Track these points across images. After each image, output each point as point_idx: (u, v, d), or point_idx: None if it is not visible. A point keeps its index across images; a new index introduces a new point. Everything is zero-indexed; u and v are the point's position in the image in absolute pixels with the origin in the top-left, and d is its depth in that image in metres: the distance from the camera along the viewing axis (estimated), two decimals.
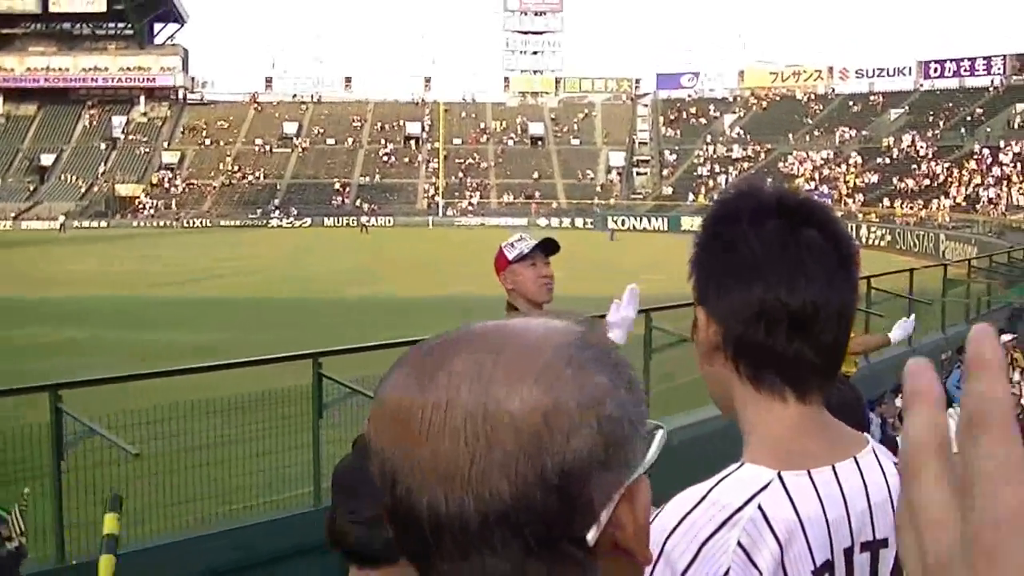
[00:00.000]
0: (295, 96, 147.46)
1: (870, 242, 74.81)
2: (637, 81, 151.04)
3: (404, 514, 1.27)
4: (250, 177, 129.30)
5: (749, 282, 2.22)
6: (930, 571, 0.73)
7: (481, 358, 1.25)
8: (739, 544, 2.07)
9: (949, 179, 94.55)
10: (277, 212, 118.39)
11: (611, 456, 1.24)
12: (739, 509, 2.10)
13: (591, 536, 1.24)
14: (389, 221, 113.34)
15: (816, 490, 2.17)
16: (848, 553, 2.20)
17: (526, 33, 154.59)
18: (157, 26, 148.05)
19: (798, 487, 2.16)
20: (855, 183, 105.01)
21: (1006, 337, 23.18)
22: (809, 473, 2.18)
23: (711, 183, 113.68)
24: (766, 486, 2.14)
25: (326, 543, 3.27)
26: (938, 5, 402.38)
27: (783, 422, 2.24)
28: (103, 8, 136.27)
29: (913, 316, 11.36)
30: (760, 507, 2.11)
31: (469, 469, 1.20)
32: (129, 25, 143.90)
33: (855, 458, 2.27)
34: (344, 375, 10.94)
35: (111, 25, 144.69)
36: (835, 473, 2.21)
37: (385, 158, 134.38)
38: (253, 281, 49.32)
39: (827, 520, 2.15)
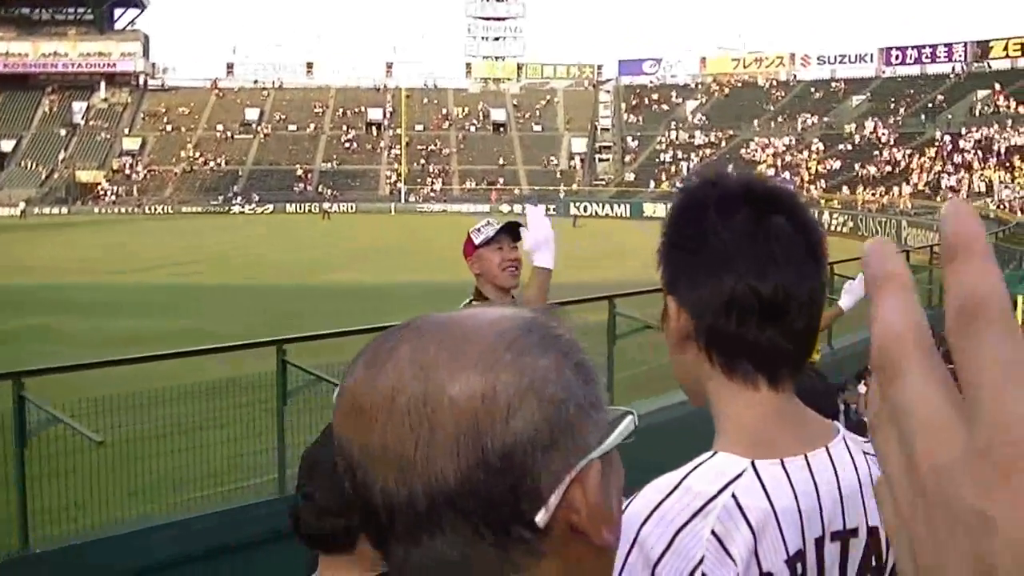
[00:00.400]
0: (256, 82, 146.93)
1: (832, 228, 75.04)
2: (599, 67, 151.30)
3: (363, 501, 1.30)
4: (211, 163, 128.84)
5: (719, 271, 2.22)
6: (925, 480, 0.68)
7: (426, 345, 1.27)
8: (713, 533, 2.07)
9: (911, 166, 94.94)
10: (239, 199, 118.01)
11: (557, 439, 1.25)
12: (713, 498, 2.11)
13: (540, 519, 1.25)
14: (351, 207, 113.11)
15: (789, 479, 2.18)
16: (819, 543, 2.21)
17: (488, 19, 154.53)
18: (117, 11, 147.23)
19: (771, 476, 2.17)
20: (817, 169, 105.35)
21: None
22: (782, 462, 2.19)
23: (673, 169, 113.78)
24: (740, 475, 2.15)
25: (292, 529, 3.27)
26: None
27: (756, 410, 2.25)
28: None
29: (860, 276, 11.33)
30: (734, 496, 2.11)
31: (415, 454, 1.22)
32: (89, 10, 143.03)
33: (827, 448, 2.28)
34: (308, 362, 10.93)
35: (71, 10, 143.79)
36: (807, 462, 2.22)
37: (347, 144, 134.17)
38: (215, 268, 49.19)
39: (799, 509, 2.16)
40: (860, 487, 2.28)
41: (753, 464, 2.17)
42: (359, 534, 3.12)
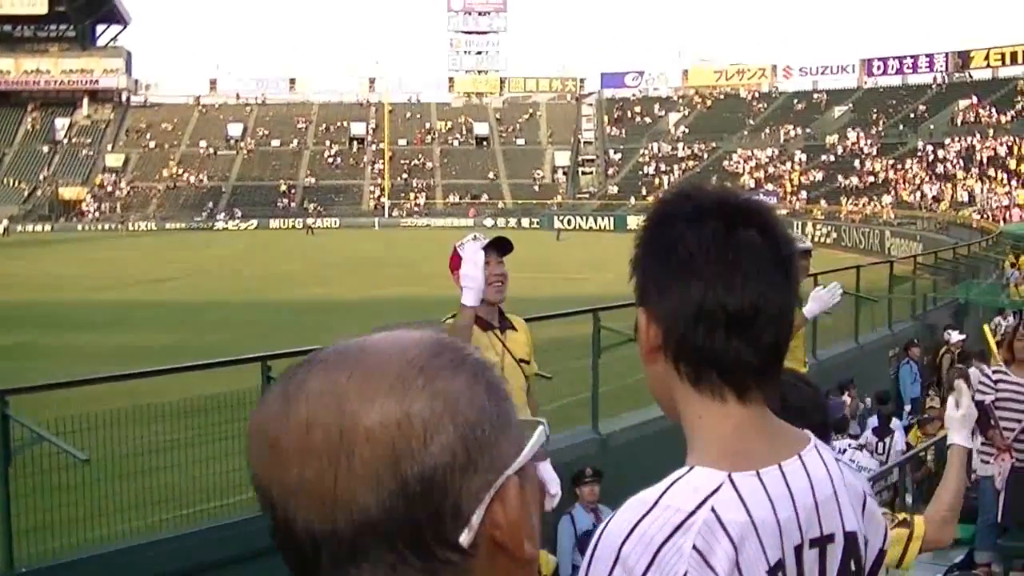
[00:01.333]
0: (239, 98, 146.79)
1: (816, 239, 75.07)
2: (582, 80, 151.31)
3: (284, 536, 1.27)
4: (195, 179, 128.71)
5: (687, 283, 2.22)
6: None
7: (336, 376, 1.27)
8: (695, 548, 2.06)
9: (893, 176, 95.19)
10: (222, 214, 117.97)
11: (475, 459, 1.26)
12: (692, 513, 2.10)
13: (465, 539, 1.26)
14: (335, 223, 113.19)
15: (766, 490, 2.18)
16: (798, 550, 2.21)
17: (470, 33, 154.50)
18: (100, 28, 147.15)
19: (749, 488, 2.17)
20: (800, 181, 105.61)
21: (955, 335, 23.36)
22: (758, 473, 2.19)
23: (656, 182, 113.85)
24: (718, 488, 2.14)
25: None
26: (880, 3, 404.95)
27: (727, 422, 2.25)
28: (44, 10, 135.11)
29: (836, 284, 11.32)
30: (714, 510, 2.10)
31: (335, 487, 1.22)
32: (71, 27, 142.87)
33: (800, 456, 2.28)
34: None
35: (53, 27, 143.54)
36: (782, 472, 2.22)
37: (330, 159, 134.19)
38: (199, 284, 49.20)
39: (778, 519, 2.17)
40: (835, 493, 2.30)
41: (730, 477, 2.16)
42: None
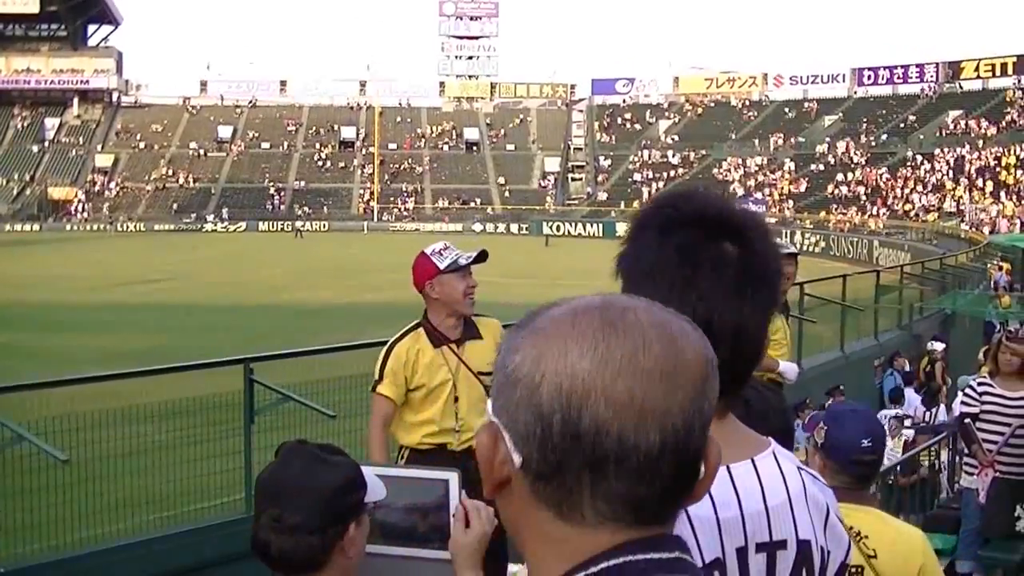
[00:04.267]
0: (229, 99, 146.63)
1: (804, 248, 75.18)
2: (572, 87, 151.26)
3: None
4: (184, 181, 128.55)
5: (642, 291, 2.22)
6: None
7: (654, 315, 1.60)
8: None
9: (883, 186, 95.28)
10: (211, 216, 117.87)
11: None
12: None
13: None
14: (324, 226, 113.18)
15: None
16: (741, 553, 2.21)
17: (461, 38, 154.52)
18: (91, 28, 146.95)
19: None
20: (789, 189, 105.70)
21: (939, 346, 23.42)
22: None
23: (645, 189, 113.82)
24: None
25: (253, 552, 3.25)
26: (871, 13, 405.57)
27: None
28: (36, 9, 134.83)
29: (795, 367, 11.25)
30: None
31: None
32: (62, 26, 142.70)
33: (752, 460, 2.28)
34: (277, 380, 10.89)
35: (44, 26, 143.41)
36: (729, 474, 2.22)
37: (320, 163, 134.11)
38: (186, 286, 49.13)
39: (718, 518, 2.17)
40: (789, 500, 2.29)
41: None
42: (333, 550, 3.12)
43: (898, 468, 12.86)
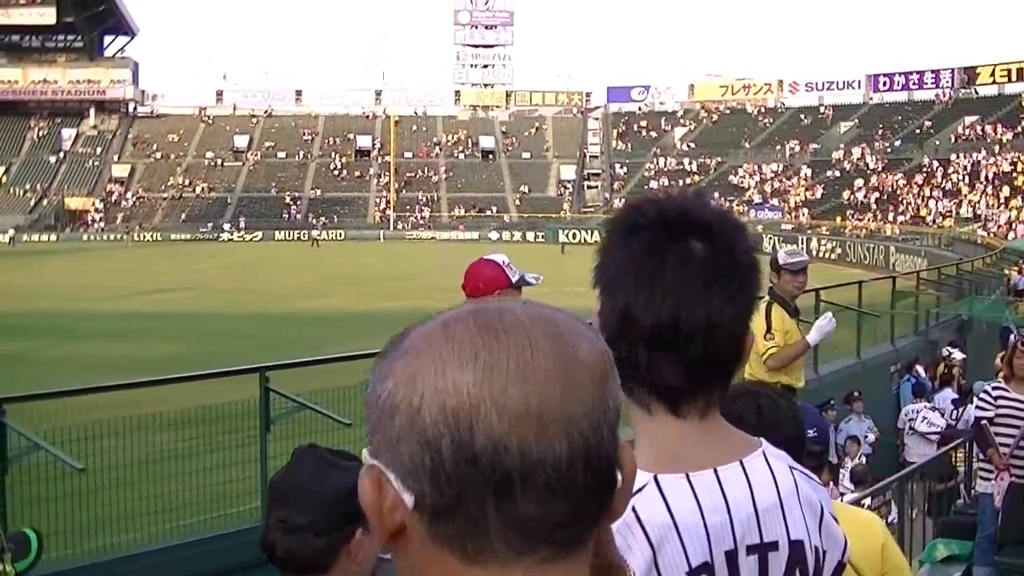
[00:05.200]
0: (245, 109, 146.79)
1: (820, 255, 75.14)
2: (588, 94, 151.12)
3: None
4: (200, 190, 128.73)
5: (612, 294, 2.26)
6: None
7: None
8: None
9: (899, 192, 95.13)
10: (228, 226, 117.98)
11: None
12: None
13: None
14: (340, 235, 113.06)
15: (694, 492, 2.19)
16: (731, 556, 2.22)
17: (477, 47, 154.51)
18: (107, 38, 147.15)
19: (674, 489, 2.19)
20: (805, 196, 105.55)
21: (958, 355, 23.41)
22: (688, 476, 2.21)
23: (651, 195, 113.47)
24: (641, 488, 2.16)
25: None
26: (887, 19, 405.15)
27: (659, 429, 2.27)
28: (53, 20, 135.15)
29: (829, 314, 11.33)
30: (634, 509, 2.12)
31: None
32: (79, 37, 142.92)
33: (741, 461, 2.28)
34: (293, 389, 10.92)
35: (61, 37, 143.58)
36: (716, 476, 2.23)
37: (336, 172, 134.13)
38: (203, 295, 49.21)
39: (705, 522, 2.18)
40: (780, 500, 2.29)
41: (656, 478, 2.19)
42: (339, 553, 3.14)
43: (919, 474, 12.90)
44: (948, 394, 20.47)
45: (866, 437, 18.87)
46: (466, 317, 1.36)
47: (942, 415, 19.35)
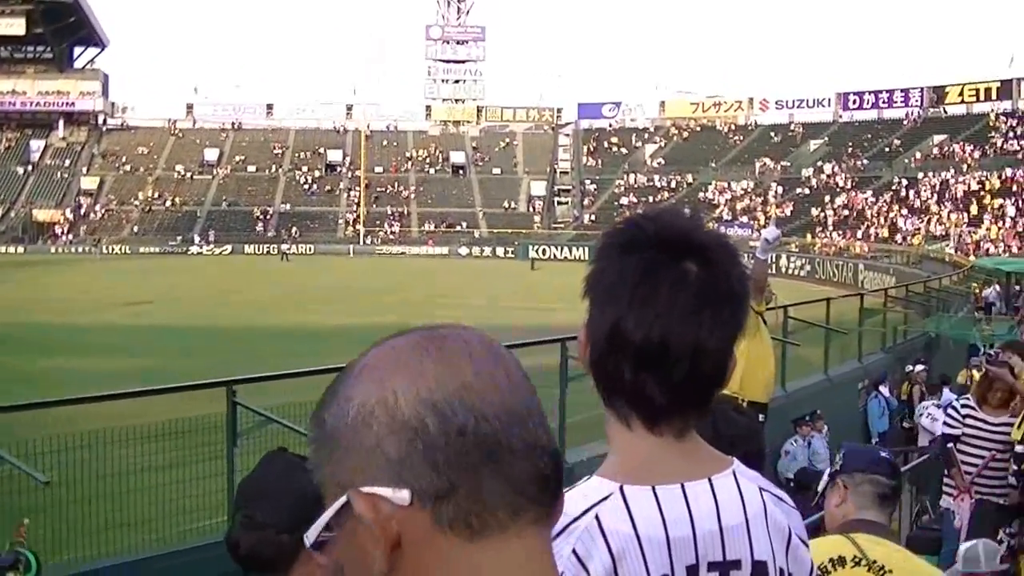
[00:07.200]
0: (215, 122, 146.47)
1: (790, 272, 75.56)
2: (559, 110, 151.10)
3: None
4: (170, 204, 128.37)
5: (603, 309, 2.28)
6: None
7: None
8: (574, 552, 2.14)
9: (868, 210, 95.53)
10: (197, 239, 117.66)
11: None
12: (577, 518, 2.16)
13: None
14: (310, 249, 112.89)
15: (659, 505, 2.22)
16: (692, 570, 2.24)
17: (448, 62, 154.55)
18: (77, 50, 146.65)
19: (638, 501, 2.21)
20: (775, 213, 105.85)
21: (919, 367, 23.51)
22: (654, 489, 2.23)
23: (632, 213, 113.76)
24: (606, 498, 2.20)
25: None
26: (856, 38, 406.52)
27: (633, 443, 2.29)
28: (22, 31, 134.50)
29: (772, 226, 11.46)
30: (597, 517, 2.17)
31: None
32: (48, 49, 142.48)
33: (709, 479, 2.30)
34: (262, 403, 10.90)
35: (30, 48, 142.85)
36: (684, 492, 2.25)
37: (306, 186, 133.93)
38: (172, 308, 49.03)
39: (668, 535, 2.20)
40: (746, 520, 2.31)
41: (621, 489, 2.22)
42: (301, 552, 3.14)
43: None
44: (949, 395, 20.39)
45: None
46: (406, 333, 1.50)
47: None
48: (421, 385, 1.41)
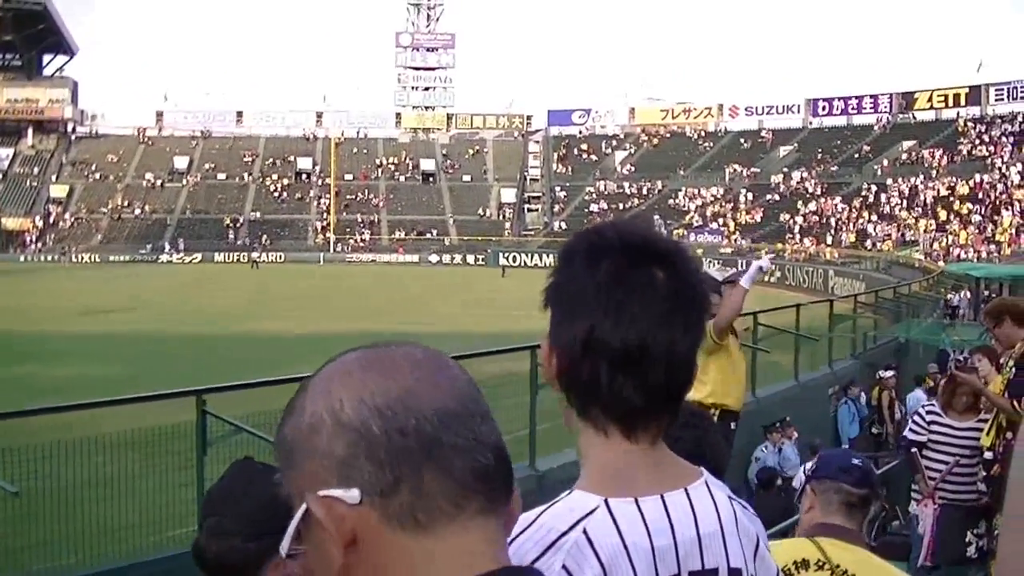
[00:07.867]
0: (185, 130, 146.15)
1: (760, 278, 75.53)
2: (528, 118, 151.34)
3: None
4: (140, 212, 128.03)
5: (574, 317, 2.26)
6: None
7: None
8: (564, 567, 2.12)
9: (838, 216, 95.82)
10: (167, 247, 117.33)
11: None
12: (565, 533, 2.16)
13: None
14: (280, 257, 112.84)
15: (643, 517, 2.22)
16: None
17: (418, 69, 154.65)
18: (46, 57, 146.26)
19: (624, 513, 2.21)
20: (745, 220, 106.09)
21: (888, 373, 23.57)
22: (636, 500, 2.23)
23: (601, 220, 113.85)
24: (592, 511, 2.19)
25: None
26: (826, 45, 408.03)
27: (610, 453, 2.28)
28: None
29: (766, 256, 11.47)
30: (585, 531, 2.16)
31: None
32: (17, 56, 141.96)
33: (685, 489, 2.32)
34: (232, 412, 10.87)
35: None
36: (663, 502, 2.26)
37: (276, 193, 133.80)
38: (141, 317, 48.88)
39: (652, 546, 2.21)
40: (721, 528, 2.33)
41: (606, 502, 2.21)
42: (267, 560, 3.12)
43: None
44: (920, 396, 20.21)
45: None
46: (352, 350, 1.60)
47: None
48: (365, 392, 1.51)
